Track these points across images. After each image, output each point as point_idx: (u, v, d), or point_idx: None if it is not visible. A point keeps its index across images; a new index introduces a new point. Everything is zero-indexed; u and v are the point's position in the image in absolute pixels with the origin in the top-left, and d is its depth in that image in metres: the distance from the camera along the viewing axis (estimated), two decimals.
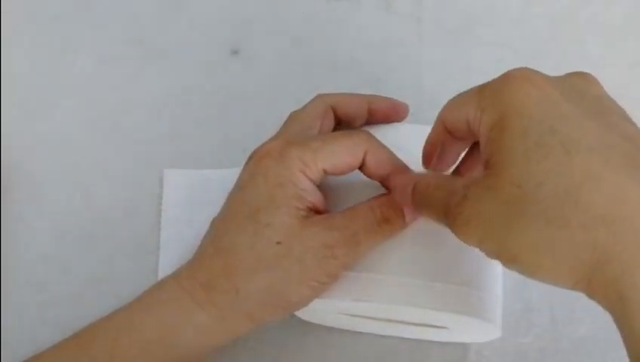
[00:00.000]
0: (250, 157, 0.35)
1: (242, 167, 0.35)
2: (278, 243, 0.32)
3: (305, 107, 0.37)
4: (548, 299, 0.40)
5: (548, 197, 0.25)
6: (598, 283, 0.25)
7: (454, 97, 0.31)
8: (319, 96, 0.37)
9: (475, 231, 0.28)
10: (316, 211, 0.34)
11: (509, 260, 0.27)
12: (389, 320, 0.37)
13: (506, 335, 0.37)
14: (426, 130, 0.36)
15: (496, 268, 0.36)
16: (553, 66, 0.49)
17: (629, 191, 0.25)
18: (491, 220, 0.27)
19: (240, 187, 0.34)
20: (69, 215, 0.45)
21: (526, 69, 0.29)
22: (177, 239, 0.43)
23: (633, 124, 0.28)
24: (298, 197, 0.33)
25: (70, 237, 0.44)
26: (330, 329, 0.41)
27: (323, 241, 0.32)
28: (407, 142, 0.36)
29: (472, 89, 0.30)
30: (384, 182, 0.35)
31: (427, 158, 0.34)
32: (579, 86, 0.29)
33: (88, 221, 0.45)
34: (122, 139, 0.47)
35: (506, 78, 0.28)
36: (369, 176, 0.35)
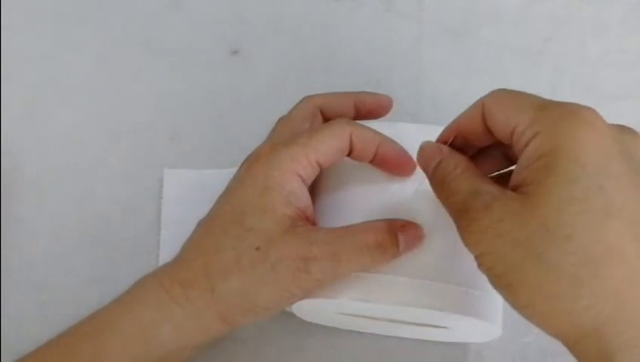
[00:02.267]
0: (242, 164, 0.35)
1: (236, 172, 0.36)
2: (257, 248, 0.32)
3: (292, 110, 0.37)
4: None
5: (570, 253, 0.25)
6: (586, 348, 0.26)
7: (507, 92, 0.30)
8: (306, 98, 0.38)
9: (482, 245, 0.28)
10: (304, 217, 0.34)
11: (502, 286, 0.27)
12: (389, 320, 0.37)
13: (506, 335, 0.37)
14: (426, 129, 0.36)
15: None
16: (553, 66, 0.50)
17: None
18: (504, 244, 0.27)
19: (229, 190, 0.35)
20: (69, 215, 0.45)
21: (594, 111, 0.28)
22: (177, 239, 0.43)
23: None
24: (285, 203, 0.33)
25: (70, 237, 0.44)
26: (331, 329, 0.41)
27: (299, 253, 0.32)
28: (407, 141, 0.36)
29: (531, 98, 0.29)
30: (376, 162, 0.35)
31: (443, 139, 0.33)
32: (631, 146, 0.28)
33: (88, 221, 0.45)
34: (122, 139, 0.47)
35: (573, 112, 0.27)
36: (359, 158, 0.34)
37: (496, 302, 0.35)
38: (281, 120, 0.37)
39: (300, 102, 0.38)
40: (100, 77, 0.49)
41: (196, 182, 0.45)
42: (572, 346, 0.27)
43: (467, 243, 0.28)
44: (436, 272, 0.34)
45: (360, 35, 0.50)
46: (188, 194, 0.45)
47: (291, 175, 0.33)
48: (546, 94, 0.51)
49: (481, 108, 0.30)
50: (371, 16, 0.51)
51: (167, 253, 0.43)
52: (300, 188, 0.33)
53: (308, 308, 0.37)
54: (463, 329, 0.37)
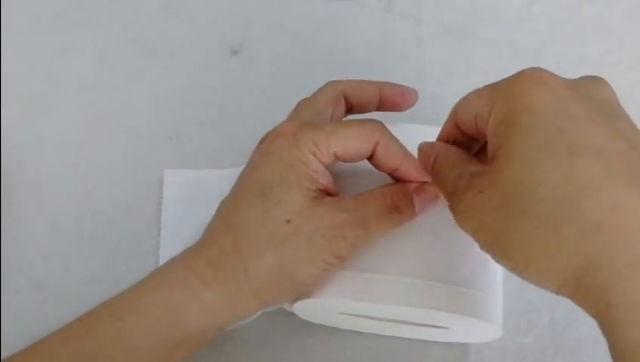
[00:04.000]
0: (263, 139, 0.35)
1: (254, 150, 0.35)
2: (288, 221, 0.32)
3: (316, 93, 0.37)
4: (548, 299, 0.40)
5: (545, 199, 0.26)
6: (586, 289, 0.25)
7: (468, 93, 0.32)
8: (330, 83, 0.37)
9: (472, 221, 0.28)
10: (327, 193, 0.34)
11: (499, 255, 0.28)
12: (389, 320, 0.37)
13: (506, 336, 0.37)
14: (426, 129, 0.36)
15: (497, 268, 0.36)
16: (553, 66, 0.49)
17: (626, 200, 0.25)
18: (488, 213, 0.27)
19: (252, 166, 0.34)
20: (69, 215, 0.45)
21: (540, 69, 0.29)
22: (177, 239, 0.43)
23: (639, 133, 0.28)
24: (309, 178, 0.33)
25: (70, 237, 0.44)
26: (331, 329, 0.41)
27: (333, 222, 0.32)
28: (407, 141, 0.36)
29: (485, 86, 0.30)
30: (393, 174, 0.35)
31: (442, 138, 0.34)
32: (591, 89, 0.29)
33: (88, 221, 0.45)
34: (122, 139, 0.47)
35: (520, 76, 0.29)
36: (377, 166, 0.35)
37: (496, 302, 0.35)
38: (303, 101, 0.37)
39: (325, 85, 0.37)
40: (100, 77, 0.49)
41: (196, 182, 0.45)
42: (574, 295, 0.26)
43: (460, 224, 0.29)
44: (437, 272, 0.34)
45: (360, 35, 0.50)
46: (188, 194, 0.45)
47: (312, 156, 0.33)
48: None
49: (454, 117, 0.32)
50: (371, 16, 0.51)
51: (167, 253, 0.43)
52: (321, 168, 0.33)
53: (308, 308, 0.37)
54: (463, 330, 0.37)
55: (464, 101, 0.32)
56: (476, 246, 0.35)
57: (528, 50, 0.50)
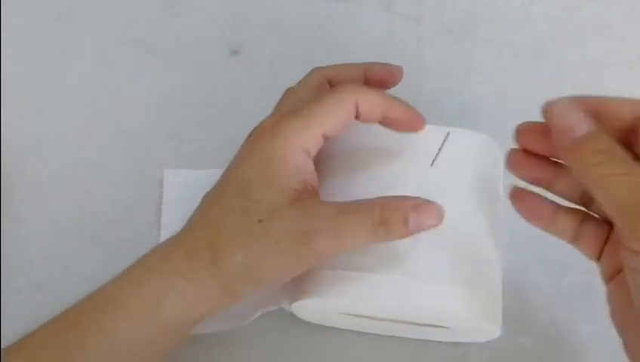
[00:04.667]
0: (248, 137, 0.35)
1: (242, 145, 0.36)
2: (260, 221, 0.32)
3: (300, 81, 0.37)
4: (548, 299, 0.40)
5: None
6: None
7: None
8: (314, 69, 0.38)
9: None
10: (311, 191, 0.33)
11: None
12: (389, 320, 0.37)
13: (506, 336, 0.37)
14: (426, 129, 0.36)
15: (497, 268, 0.36)
16: (553, 66, 0.50)
17: None
18: None
19: (234, 164, 0.35)
20: (69, 215, 0.45)
21: None
22: None
23: None
24: (290, 176, 0.32)
25: (70, 237, 0.44)
26: (331, 329, 0.41)
27: (301, 227, 0.31)
28: (406, 140, 0.36)
29: None
30: (385, 123, 0.34)
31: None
32: None
33: (88, 221, 0.45)
34: (122, 139, 0.47)
35: None
36: (366, 120, 0.34)
37: (496, 302, 0.35)
38: (288, 90, 0.37)
39: (309, 73, 0.37)
40: (100, 77, 0.49)
41: (196, 182, 0.45)
42: None
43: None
44: (437, 272, 0.34)
45: (360, 35, 0.50)
46: (188, 194, 0.45)
47: (295, 147, 0.33)
48: (546, 94, 0.51)
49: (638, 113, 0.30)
50: (371, 16, 0.51)
51: None
52: (304, 161, 0.33)
53: (308, 308, 0.37)
54: (463, 330, 0.37)
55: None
56: (476, 246, 0.35)
57: (528, 50, 0.50)
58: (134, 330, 0.33)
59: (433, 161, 0.36)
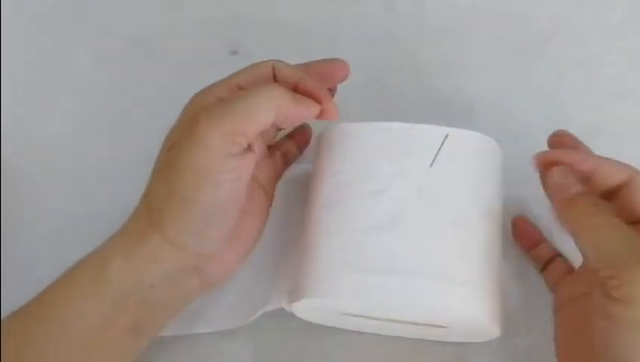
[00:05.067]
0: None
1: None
2: (169, 149, 0.35)
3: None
4: (548, 299, 0.40)
5: None
6: None
7: None
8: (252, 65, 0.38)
9: None
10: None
11: None
12: (389, 320, 0.37)
13: (506, 336, 0.37)
14: (423, 129, 0.36)
15: (497, 268, 0.36)
16: (553, 66, 0.50)
17: None
18: None
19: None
20: (69, 215, 0.45)
21: None
22: None
23: None
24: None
25: (70, 237, 0.44)
26: (331, 329, 0.41)
27: (190, 116, 0.35)
28: (403, 141, 0.36)
29: None
30: (297, 89, 0.35)
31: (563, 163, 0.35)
32: None
33: (88, 221, 0.45)
34: (122, 139, 0.47)
35: None
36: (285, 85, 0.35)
37: (496, 302, 0.35)
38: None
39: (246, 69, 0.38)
40: (100, 77, 0.49)
41: None
42: None
43: (625, 291, 0.30)
44: (436, 272, 0.34)
45: (360, 35, 0.50)
46: None
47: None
48: (546, 94, 0.51)
49: (625, 178, 0.33)
50: (371, 16, 0.51)
51: None
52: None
53: (308, 308, 0.37)
54: (462, 329, 0.37)
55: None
56: (476, 246, 0.35)
57: (528, 50, 0.50)
58: (87, 304, 0.33)
59: (433, 161, 0.36)
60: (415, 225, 0.34)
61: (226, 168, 0.33)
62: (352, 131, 0.37)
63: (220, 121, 0.32)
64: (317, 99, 0.35)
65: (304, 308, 0.37)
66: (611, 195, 0.34)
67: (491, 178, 0.37)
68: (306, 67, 0.37)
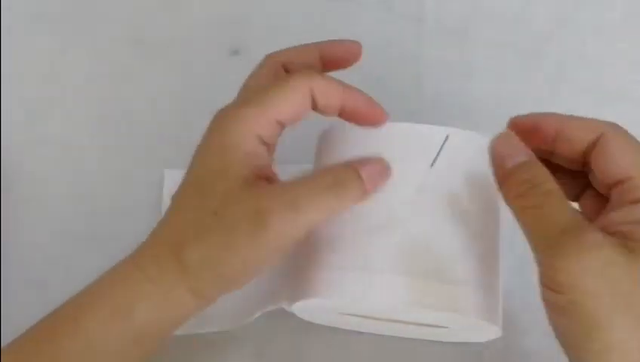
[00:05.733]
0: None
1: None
2: (215, 213, 0.31)
3: (253, 71, 0.36)
4: None
5: None
6: None
7: (630, 137, 0.30)
8: (266, 57, 0.37)
9: (581, 286, 0.27)
10: (265, 178, 0.33)
11: (584, 325, 0.28)
12: (389, 320, 0.37)
13: (507, 335, 0.37)
14: (423, 129, 0.36)
15: (497, 267, 0.36)
16: (553, 66, 0.50)
17: None
18: (603, 290, 0.27)
19: (192, 160, 0.34)
20: (69, 215, 0.45)
21: None
22: None
23: None
24: (242, 164, 0.32)
25: (70, 237, 0.44)
26: (331, 329, 0.41)
27: (254, 208, 0.30)
28: (403, 141, 0.36)
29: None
30: (343, 115, 0.34)
31: (527, 128, 0.32)
32: None
33: (88, 221, 0.45)
34: (122, 139, 0.47)
35: None
36: (324, 111, 0.34)
37: (496, 301, 0.35)
38: (244, 82, 0.37)
39: (261, 61, 0.36)
40: (100, 77, 0.49)
41: None
42: None
43: (558, 279, 0.28)
44: (436, 272, 0.34)
45: (360, 35, 0.50)
46: None
47: (248, 135, 0.32)
48: (546, 94, 0.51)
49: (596, 133, 0.30)
50: (371, 16, 0.51)
51: None
52: (258, 148, 0.32)
53: (308, 308, 0.37)
54: (463, 330, 0.37)
55: (623, 148, 0.29)
56: (476, 246, 0.35)
57: (528, 50, 0.50)
58: (107, 339, 0.32)
59: (433, 162, 0.36)
60: (415, 225, 0.34)
61: (274, 261, 0.32)
62: (352, 131, 0.37)
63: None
64: (371, 117, 0.34)
65: (304, 308, 0.37)
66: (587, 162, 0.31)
67: (492, 178, 0.37)
68: (318, 48, 0.36)
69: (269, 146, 0.33)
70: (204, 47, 0.50)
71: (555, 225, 0.28)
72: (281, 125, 0.33)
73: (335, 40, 0.37)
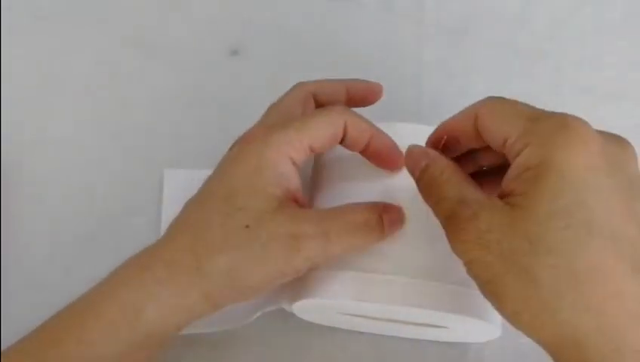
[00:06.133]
0: (234, 144, 0.35)
1: (224, 156, 0.36)
2: (247, 226, 0.32)
3: (284, 96, 0.38)
4: None
5: (552, 267, 0.26)
6: (568, 357, 0.27)
7: (499, 102, 0.30)
8: (298, 84, 0.38)
9: (471, 254, 0.28)
10: (294, 199, 0.34)
11: (489, 293, 0.28)
12: (389, 320, 0.37)
13: (506, 335, 0.37)
14: (424, 129, 0.36)
15: None
16: (553, 66, 0.50)
17: (628, 289, 0.26)
18: (491, 254, 0.27)
19: (219, 170, 0.35)
20: (69, 215, 0.45)
21: (585, 124, 0.28)
22: None
23: None
24: (276, 184, 0.33)
25: (70, 237, 0.44)
26: (331, 329, 0.41)
27: (290, 231, 0.32)
28: (404, 141, 0.36)
29: (523, 108, 0.29)
30: (366, 152, 0.35)
31: (432, 141, 0.34)
32: (620, 159, 0.29)
33: (88, 221, 0.45)
34: (122, 139, 0.47)
35: (565, 126, 0.27)
36: (350, 146, 0.35)
37: None
38: (273, 105, 0.38)
39: (293, 88, 0.38)
40: (100, 77, 0.49)
41: (196, 182, 0.45)
42: (554, 354, 0.27)
43: (455, 250, 0.29)
44: (436, 272, 0.34)
45: (360, 35, 0.50)
46: (188, 194, 0.45)
47: (284, 157, 0.33)
48: (546, 94, 0.51)
49: (474, 117, 0.31)
50: (371, 16, 0.51)
51: None
52: (291, 171, 0.33)
53: (308, 308, 0.37)
54: (462, 329, 0.37)
55: (494, 115, 0.30)
56: None
57: (528, 50, 0.50)
58: (113, 341, 0.32)
59: None
60: (415, 226, 0.34)
61: (286, 280, 0.33)
62: None
63: None
64: (390, 162, 0.35)
65: (304, 308, 0.37)
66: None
67: None
68: (345, 84, 0.38)
69: (298, 170, 0.34)
70: (204, 47, 0.50)
71: (445, 210, 0.29)
72: (312, 152, 0.34)
73: (360, 80, 0.39)
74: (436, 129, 0.33)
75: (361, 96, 0.39)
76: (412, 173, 0.32)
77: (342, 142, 0.35)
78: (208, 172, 0.45)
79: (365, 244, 0.33)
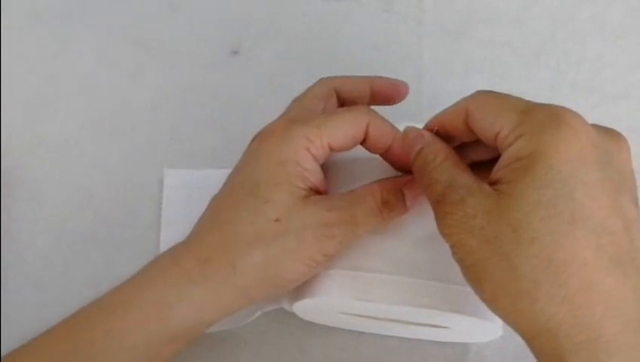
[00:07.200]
0: (254, 138, 0.35)
1: (245, 149, 0.35)
2: (277, 220, 0.32)
3: (307, 90, 0.37)
4: None
5: (533, 256, 0.26)
6: (540, 345, 0.27)
7: (489, 95, 0.30)
8: (322, 80, 0.38)
9: (456, 237, 0.28)
10: (317, 192, 0.34)
11: (470, 277, 0.28)
12: (389, 320, 0.37)
13: (507, 335, 0.37)
14: None
15: None
16: (553, 66, 0.50)
17: (604, 282, 0.26)
18: (475, 239, 0.28)
19: (242, 166, 0.35)
20: (69, 215, 0.45)
21: (577, 115, 0.28)
22: (177, 239, 0.43)
23: (636, 209, 0.28)
24: (300, 177, 0.33)
25: (70, 237, 0.44)
26: (331, 329, 0.41)
27: (321, 220, 0.32)
28: None
29: (514, 101, 0.29)
30: (386, 154, 0.35)
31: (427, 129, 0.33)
32: (611, 152, 0.29)
33: (88, 221, 0.45)
34: (122, 139, 0.47)
35: (557, 118, 0.28)
36: (371, 149, 0.35)
37: None
38: (295, 99, 0.37)
39: (316, 82, 0.38)
40: (100, 77, 0.49)
41: (196, 182, 0.45)
42: (529, 342, 0.28)
43: (441, 233, 0.29)
44: (437, 272, 0.34)
45: (360, 35, 0.50)
46: (188, 194, 0.45)
47: (305, 152, 0.33)
48: (546, 94, 0.51)
49: (465, 111, 0.31)
50: (371, 16, 0.51)
51: None
52: (314, 165, 0.34)
53: (308, 308, 0.37)
54: (463, 329, 0.37)
55: (485, 109, 0.30)
56: None
57: (528, 50, 0.50)
58: (142, 336, 0.32)
59: None
60: (415, 226, 0.34)
61: (324, 262, 0.34)
62: None
63: None
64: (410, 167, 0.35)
65: (304, 308, 0.37)
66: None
67: None
68: (370, 81, 0.38)
69: (319, 165, 0.34)
70: (204, 47, 0.50)
71: (435, 193, 0.30)
72: (331, 150, 0.34)
73: (385, 77, 0.38)
74: (426, 124, 0.33)
75: (386, 95, 0.38)
76: (408, 156, 0.32)
77: (363, 143, 0.35)
78: (208, 172, 0.45)
79: (388, 220, 0.34)
